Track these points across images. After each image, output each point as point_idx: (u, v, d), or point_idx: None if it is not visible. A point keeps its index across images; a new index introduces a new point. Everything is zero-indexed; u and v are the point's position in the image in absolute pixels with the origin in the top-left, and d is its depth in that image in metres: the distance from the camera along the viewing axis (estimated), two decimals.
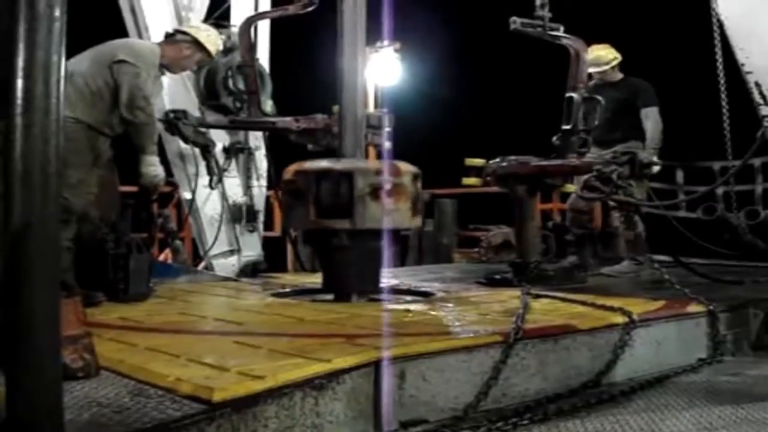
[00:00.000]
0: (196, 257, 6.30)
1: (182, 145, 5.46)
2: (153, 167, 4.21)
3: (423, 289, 4.78)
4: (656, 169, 5.50)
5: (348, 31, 4.38)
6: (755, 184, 7.29)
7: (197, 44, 4.59)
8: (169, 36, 4.69)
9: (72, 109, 3.97)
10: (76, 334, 2.37)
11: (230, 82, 5.78)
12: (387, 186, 4.03)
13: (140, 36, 5.54)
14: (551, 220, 8.18)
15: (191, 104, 5.66)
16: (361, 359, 2.50)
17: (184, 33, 4.64)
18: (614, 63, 6.22)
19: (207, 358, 2.52)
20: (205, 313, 3.77)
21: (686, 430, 2.50)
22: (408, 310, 3.68)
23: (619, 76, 6.29)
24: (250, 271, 5.99)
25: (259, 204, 6.38)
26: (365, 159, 4.52)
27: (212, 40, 4.72)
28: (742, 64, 5.46)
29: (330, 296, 4.48)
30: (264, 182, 6.43)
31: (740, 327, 3.88)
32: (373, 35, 4.64)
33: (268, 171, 6.41)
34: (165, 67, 4.52)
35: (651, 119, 6.01)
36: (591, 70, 5.99)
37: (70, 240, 4.01)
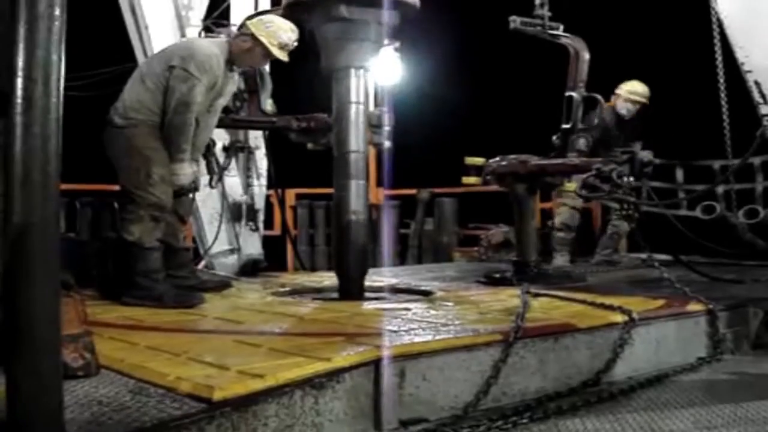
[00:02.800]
0: (197, 256, 6.30)
1: None
2: (177, 176, 4.16)
3: (423, 287, 4.78)
4: None
5: None
6: (755, 183, 7.29)
7: (254, 37, 4.27)
8: (239, 29, 4.58)
9: (152, 112, 4.11)
10: (77, 333, 2.37)
11: None
12: None
13: (140, 36, 5.54)
14: (551, 219, 8.18)
15: None
16: (361, 358, 2.51)
17: (246, 26, 4.41)
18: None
19: (207, 357, 2.52)
20: (205, 311, 3.77)
21: (686, 429, 2.50)
22: (408, 309, 3.68)
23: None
24: (250, 269, 6.00)
25: (259, 203, 6.39)
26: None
27: (270, 32, 4.27)
28: (742, 63, 5.47)
29: (331, 295, 4.49)
30: (264, 181, 6.44)
31: (740, 326, 3.87)
32: None
33: (268, 170, 6.42)
34: (232, 62, 4.37)
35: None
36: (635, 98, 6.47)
37: (158, 240, 4.13)
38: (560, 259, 6.68)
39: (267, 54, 4.32)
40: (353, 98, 4.35)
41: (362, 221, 4.33)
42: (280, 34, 4.30)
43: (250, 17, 4.73)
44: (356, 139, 4.34)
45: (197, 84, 4.09)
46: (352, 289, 4.30)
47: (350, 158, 4.32)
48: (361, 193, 4.34)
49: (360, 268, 4.34)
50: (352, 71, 4.34)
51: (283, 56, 4.34)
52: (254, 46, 4.29)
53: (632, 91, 6.81)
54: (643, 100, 6.79)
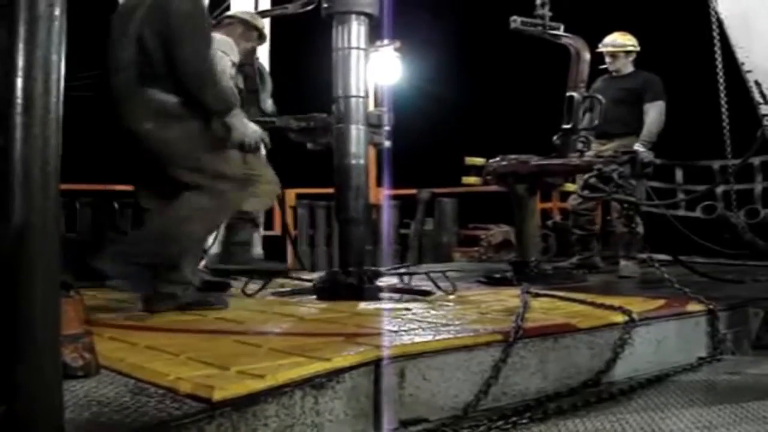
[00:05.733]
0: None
1: None
2: (239, 130, 3.98)
3: (423, 287, 4.77)
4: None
5: None
6: (755, 183, 7.30)
7: (244, 23, 4.95)
8: (218, 23, 5.02)
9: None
10: (76, 333, 2.37)
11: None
12: None
13: None
14: (551, 219, 8.18)
15: None
16: (361, 358, 2.50)
17: (229, 17, 5.08)
18: (628, 49, 6.26)
19: (207, 357, 2.52)
20: (205, 311, 3.76)
21: (686, 429, 2.50)
22: (408, 309, 3.68)
23: (630, 68, 6.31)
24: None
25: None
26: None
27: (256, 18, 5.12)
28: (742, 63, 5.46)
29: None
30: None
31: (740, 326, 3.88)
32: (372, 34, 4.66)
33: None
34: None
35: (651, 112, 6.01)
36: (601, 49, 6.16)
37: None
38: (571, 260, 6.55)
39: (259, 36, 5.06)
40: (354, 44, 4.40)
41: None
42: (259, 20, 5.16)
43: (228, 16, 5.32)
44: (357, 85, 4.44)
45: (224, 57, 4.39)
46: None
47: (351, 102, 4.43)
48: (360, 108, 4.48)
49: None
50: (353, 17, 4.37)
51: (265, 39, 5.26)
52: (245, 31, 4.95)
53: None
54: None
